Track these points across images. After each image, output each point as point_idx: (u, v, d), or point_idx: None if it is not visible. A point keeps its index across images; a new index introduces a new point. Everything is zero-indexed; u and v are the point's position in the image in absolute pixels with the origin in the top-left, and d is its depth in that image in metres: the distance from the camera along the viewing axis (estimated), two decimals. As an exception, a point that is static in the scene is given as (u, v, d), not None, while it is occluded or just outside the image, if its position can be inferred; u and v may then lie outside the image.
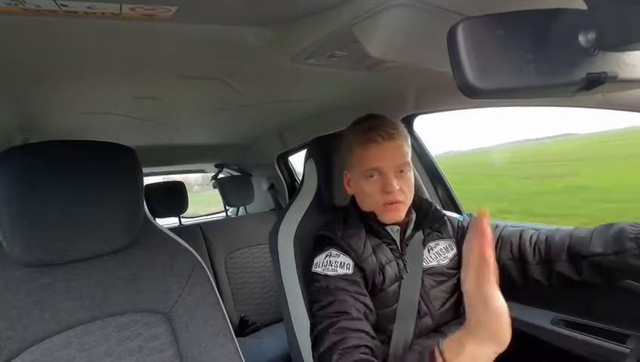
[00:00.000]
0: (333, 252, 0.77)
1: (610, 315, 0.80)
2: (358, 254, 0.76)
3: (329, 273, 0.74)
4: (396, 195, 0.76)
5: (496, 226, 0.86)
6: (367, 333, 0.68)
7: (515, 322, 0.92)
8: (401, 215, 0.79)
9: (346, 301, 0.70)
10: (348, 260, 0.75)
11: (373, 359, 0.63)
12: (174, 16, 0.49)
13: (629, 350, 0.74)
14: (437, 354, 0.54)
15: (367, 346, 0.65)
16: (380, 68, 0.76)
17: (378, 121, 0.79)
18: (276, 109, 1.18)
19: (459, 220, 0.91)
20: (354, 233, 0.79)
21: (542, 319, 0.89)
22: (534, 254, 0.77)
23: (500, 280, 0.83)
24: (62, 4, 0.43)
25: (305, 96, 1.06)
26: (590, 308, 0.83)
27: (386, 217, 0.79)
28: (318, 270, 0.75)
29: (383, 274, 0.77)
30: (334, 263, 0.75)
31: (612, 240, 0.67)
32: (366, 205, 0.81)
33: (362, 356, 0.63)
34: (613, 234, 0.67)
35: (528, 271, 0.77)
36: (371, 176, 0.78)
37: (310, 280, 0.77)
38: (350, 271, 0.74)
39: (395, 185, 0.75)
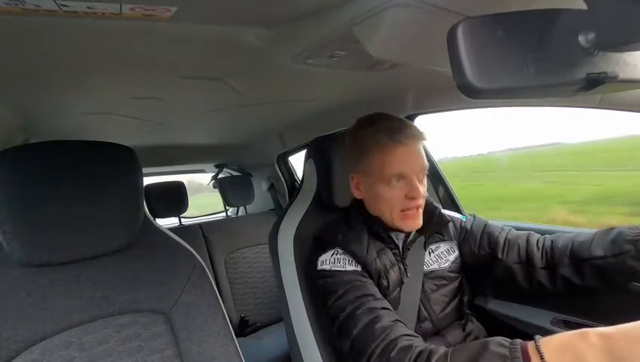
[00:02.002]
0: (340, 250, 0.76)
1: (609, 316, 0.80)
2: (362, 258, 0.74)
3: (338, 268, 0.73)
4: (419, 200, 0.73)
5: (502, 229, 0.85)
6: (392, 311, 0.67)
7: (515, 322, 0.92)
8: (420, 222, 0.75)
9: (364, 285, 0.69)
10: (354, 261, 0.75)
11: (408, 331, 0.62)
12: (174, 17, 0.49)
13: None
14: (531, 351, 0.45)
15: (399, 320, 0.64)
16: (380, 68, 0.76)
17: (399, 122, 0.74)
18: (276, 109, 1.18)
19: (461, 220, 0.90)
20: (355, 237, 0.77)
21: (542, 319, 0.89)
22: (542, 258, 0.77)
23: (505, 283, 0.84)
24: (62, 4, 0.43)
25: (305, 96, 1.05)
26: (590, 309, 0.83)
27: (405, 225, 0.74)
28: (326, 267, 0.74)
29: (387, 278, 0.75)
30: (342, 261, 0.74)
31: (611, 243, 0.67)
32: (381, 210, 0.77)
33: (396, 333, 0.60)
34: (612, 237, 0.68)
35: (535, 275, 0.77)
36: (394, 182, 0.73)
37: (316, 278, 0.75)
38: (359, 269, 0.73)
39: (421, 189, 0.72)
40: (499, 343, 0.48)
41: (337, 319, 0.67)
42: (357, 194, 0.81)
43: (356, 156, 0.79)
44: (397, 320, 0.64)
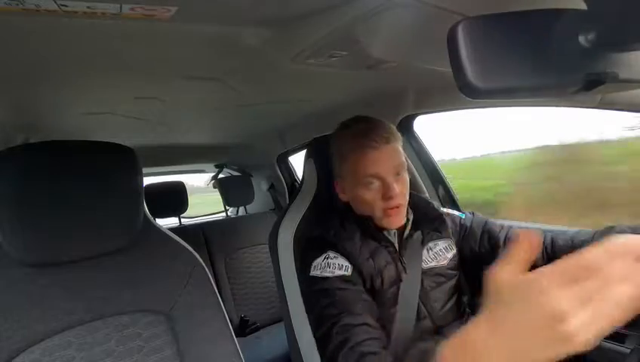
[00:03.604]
0: (331, 254, 0.76)
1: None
2: (355, 257, 0.75)
3: (327, 274, 0.73)
4: (397, 199, 0.74)
5: (502, 227, 0.85)
6: (371, 326, 0.66)
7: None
8: (402, 219, 0.77)
9: (346, 298, 0.69)
10: (346, 262, 0.74)
11: (378, 349, 0.62)
12: (174, 17, 0.49)
13: (628, 350, 0.74)
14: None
15: (372, 338, 0.63)
16: (380, 68, 0.76)
17: (370, 125, 0.76)
18: (276, 109, 1.18)
19: (460, 218, 0.90)
20: (348, 237, 0.78)
21: None
22: (543, 256, 0.77)
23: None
24: (62, 4, 0.43)
25: (305, 96, 1.06)
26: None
27: (388, 223, 0.76)
28: (316, 273, 0.74)
29: (382, 276, 0.75)
30: (332, 265, 0.74)
31: None
32: (364, 211, 0.79)
33: (365, 349, 0.61)
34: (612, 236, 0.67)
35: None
36: (369, 183, 0.75)
37: (309, 284, 0.76)
38: (349, 273, 0.73)
39: (396, 189, 0.73)
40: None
41: (318, 331, 0.69)
42: (343, 198, 0.83)
43: (336, 161, 0.82)
44: (372, 337, 0.64)
